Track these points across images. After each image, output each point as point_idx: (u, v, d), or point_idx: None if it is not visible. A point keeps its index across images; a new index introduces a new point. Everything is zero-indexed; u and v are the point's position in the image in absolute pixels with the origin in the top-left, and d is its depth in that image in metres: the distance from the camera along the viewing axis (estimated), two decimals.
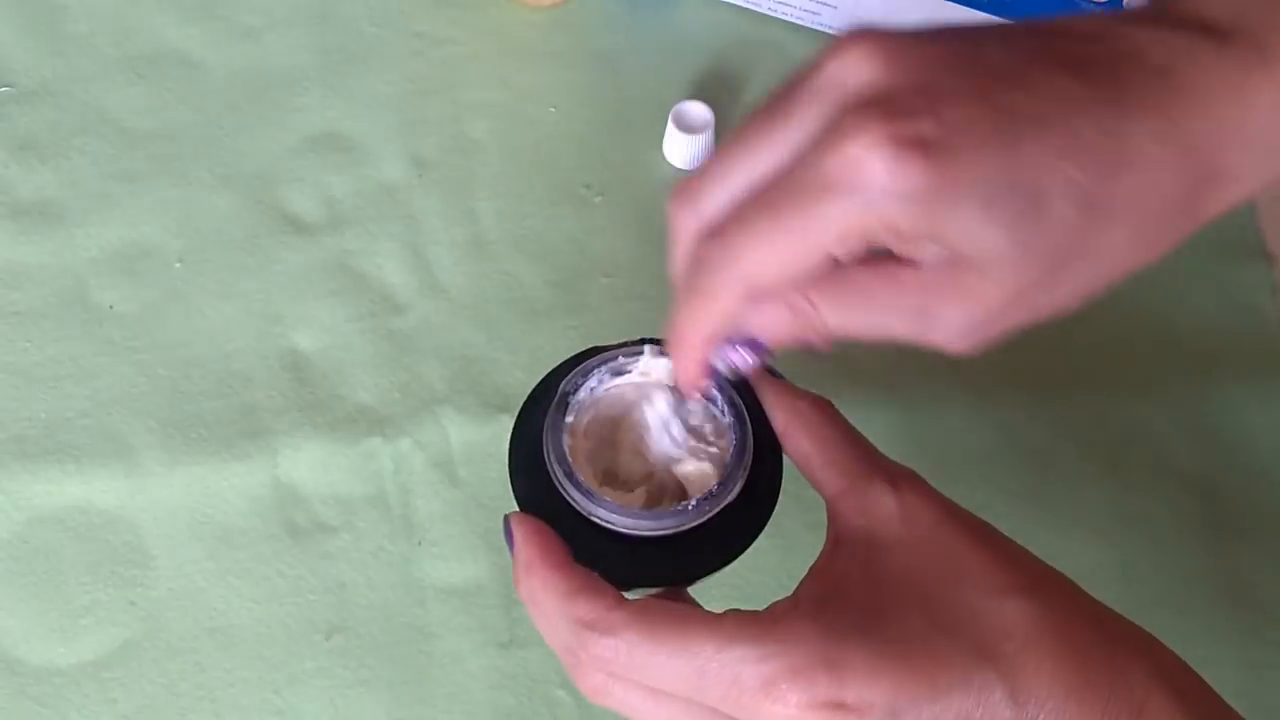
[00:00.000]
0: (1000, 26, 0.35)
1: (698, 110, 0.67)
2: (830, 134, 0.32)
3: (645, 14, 0.73)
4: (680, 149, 0.67)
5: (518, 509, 0.40)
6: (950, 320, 0.34)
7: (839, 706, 0.33)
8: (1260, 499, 0.62)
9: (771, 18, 0.73)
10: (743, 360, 0.38)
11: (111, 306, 0.63)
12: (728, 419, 0.41)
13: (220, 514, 0.59)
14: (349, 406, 0.61)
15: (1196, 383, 0.64)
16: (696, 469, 0.42)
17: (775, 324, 0.36)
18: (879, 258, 0.35)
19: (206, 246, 0.65)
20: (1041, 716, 0.33)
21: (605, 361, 0.42)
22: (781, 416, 0.41)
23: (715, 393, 0.42)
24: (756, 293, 0.35)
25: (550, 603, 0.36)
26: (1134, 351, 0.65)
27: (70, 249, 0.64)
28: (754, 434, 0.41)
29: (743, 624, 0.34)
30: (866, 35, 0.33)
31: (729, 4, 0.73)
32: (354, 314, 0.64)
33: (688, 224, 0.36)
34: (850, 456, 0.39)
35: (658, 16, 0.73)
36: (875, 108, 0.32)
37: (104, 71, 0.69)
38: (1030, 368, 0.65)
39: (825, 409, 0.41)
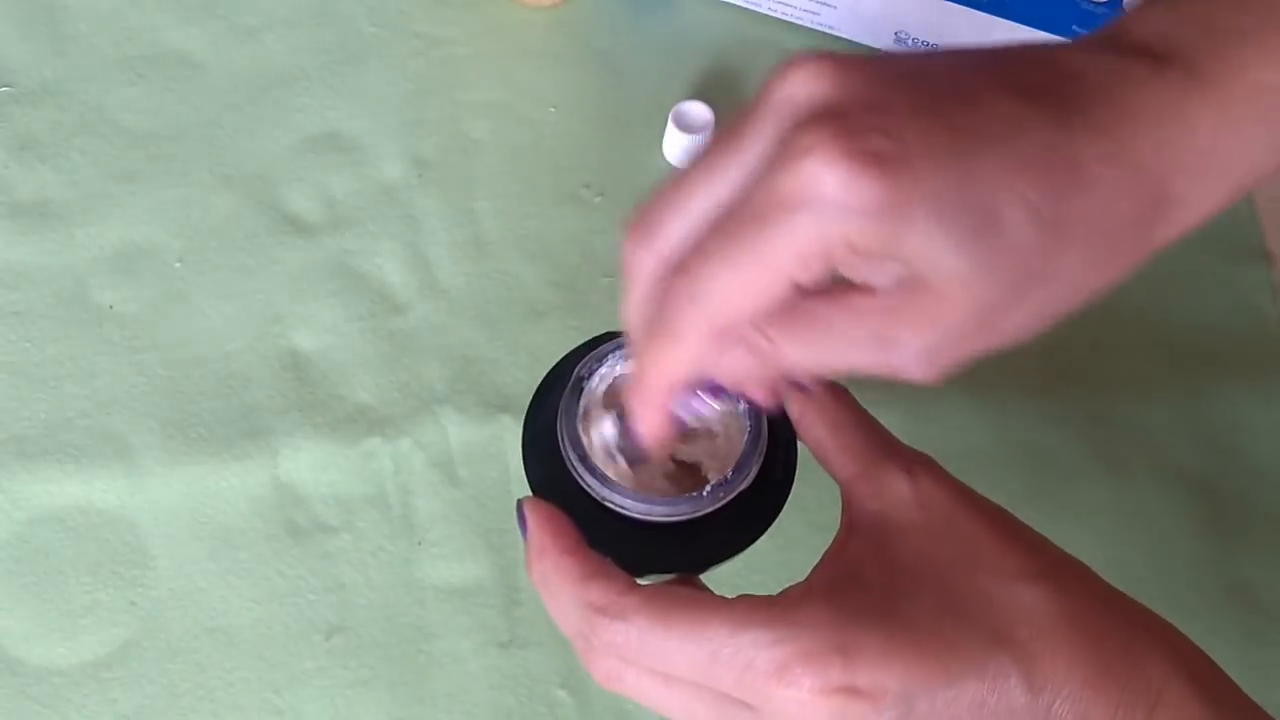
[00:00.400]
0: (947, 51, 0.34)
1: (698, 110, 0.67)
2: (783, 152, 0.32)
3: (645, 14, 0.73)
4: (680, 149, 0.67)
5: (531, 493, 0.40)
6: (910, 345, 0.34)
7: (852, 691, 0.33)
8: (1260, 499, 0.62)
9: (771, 18, 0.73)
10: (707, 407, 0.37)
11: (111, 306, 0.63)
12: (742, 405, 0.41)
13: (220, 514, 0.59)
14: (349, 406, 0.61)
15: (1196, 383, 0.64)
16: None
17: (735, 365, 0.35)
18: (835, 287, 0.34)
19: (206, 246, 0.65)
20: (1057, 703, 0.33)
21: (619, 346, 0.42)
22: (795, 403, 0.40)
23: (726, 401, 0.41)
24: (724, 331, 0.34)
25: (562, 588, 0.36)
26: (1134, 351, 0.65)
27: (70, 249, 0.64)
28: (769, 421, 0.41)
29: (755, 608, 0.34)
30: (814, 57, 0.33)
31: (729, 4, 0.73)
32: (354, 314, 0.64)
33: (645, 263, 0.35)
34: (865, 441, 0.39)
35: (658, 16, 0.73)
36: (827, 122, 0.31)
37: (104, 71, 0.69)
38: (1030, 368, 0.65)
39: (840, 395, 0.41)
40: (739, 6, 0.73)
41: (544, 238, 0.66)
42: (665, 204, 0.34)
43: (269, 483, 0.59)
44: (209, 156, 0.67)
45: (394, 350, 0.63)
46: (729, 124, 0.34)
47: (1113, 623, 0.35)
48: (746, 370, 0.35)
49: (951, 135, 0.32)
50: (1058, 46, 0.35)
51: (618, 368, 0.42)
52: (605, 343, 0.42)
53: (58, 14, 0.70)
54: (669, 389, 0.36)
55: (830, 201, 0.31)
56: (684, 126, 0.67)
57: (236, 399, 0.61)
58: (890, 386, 0.62)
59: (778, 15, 0.72)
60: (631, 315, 0.36)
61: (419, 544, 0.59)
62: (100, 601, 0.57)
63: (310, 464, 0.60)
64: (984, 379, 0.64)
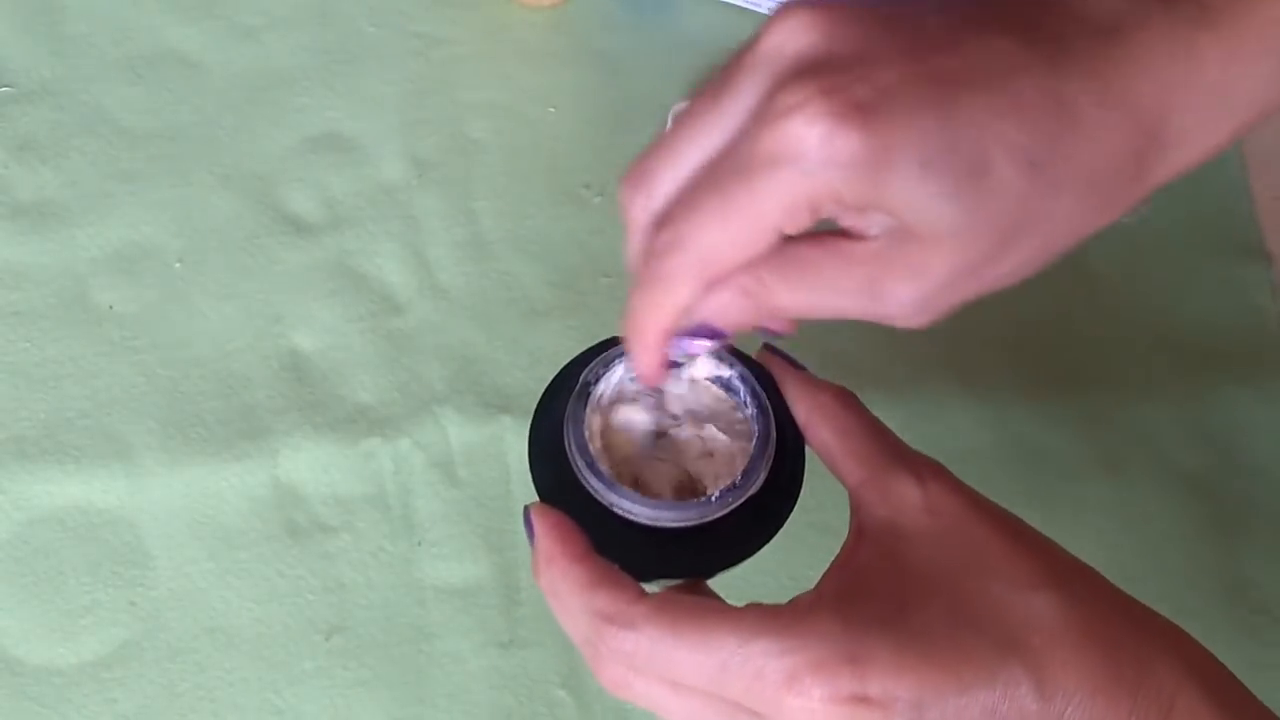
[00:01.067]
0: None
1: None
2: (768, 107, 0.32)
3: (645, 14, 0.73)
4: None
5: (537, 498, 0.40)
6: (900, 294, 0.34)
7: (862, 700, 0.32)
8: (1260, 499, 0.62)
9: None
10: (701, 348, 0.38)
11: (111, 306, 0.63)
12: (750, 410, 0.41)
13: (220, 514, 0.59)
14: (349, 406, 0.61)
15: (1196, 383, 0.64)
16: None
17: (728, 308, 0.35)
18: (828, 233, 0.34)
19: (206, 246, 0.65)
20: (1069, 711, 0.33)
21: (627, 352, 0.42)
22: (803, 408, 0.40)
23: (737, 384, 0.41)
24: (713, 277, 0.34)
25: (570, 595, 0.36)
26: (1134, 351, 0.65)
27: (70, 249, 0.64)
28: (777, 426, 0.40)
29: (765, 617, 0.34)
30: (803, 6, 0.33)
31: (729, 4, 0.73)
32: (354, 314, 0.64)
33: (639, 212, 0.35)
34: (873, 447, 0.39)
35: (658, 16, 0.73)
36: (809, 76, 0.32)
37: (104, 71, 0.69)
38: (1030, 368, 0.65)
39: (848, 400, 0.40)
40: (739, 6, 0.73)
41: (544, 238, 0.66)
42: (658, 154, 0.35)
43: (269, 483, 0.59)
44: (209, 156, 0.67)
45: (394, 350, 0.63)
46: (718, 74, 0.35)
47: (1124, 629, 0.35)
48: (739, 312, 0.35)
49: (938, 83, 0.32)
50: None
51: (624, 373, 0.42)
52: (611, 347, 0.42)
53: (57, 14, 0.70)
54: (661, 331, 0.36)
55: (812, 156, 0.31)
56: None
57: (236, 399, 0.61)
58: (891, 387, 0.63)
59: None
60: (631, 259, 0.36)
61: (419, 544, 0.59)
62: (100, 601, 0.57)
63: (310, 464, 0.60)
64: (984, 379, 0.64)
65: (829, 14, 0.33)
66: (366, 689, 0.56)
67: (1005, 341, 0.65)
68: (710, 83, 0.35)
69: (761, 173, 0.32)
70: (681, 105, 0.67)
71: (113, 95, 0.68)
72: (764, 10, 0.73)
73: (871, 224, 0.34)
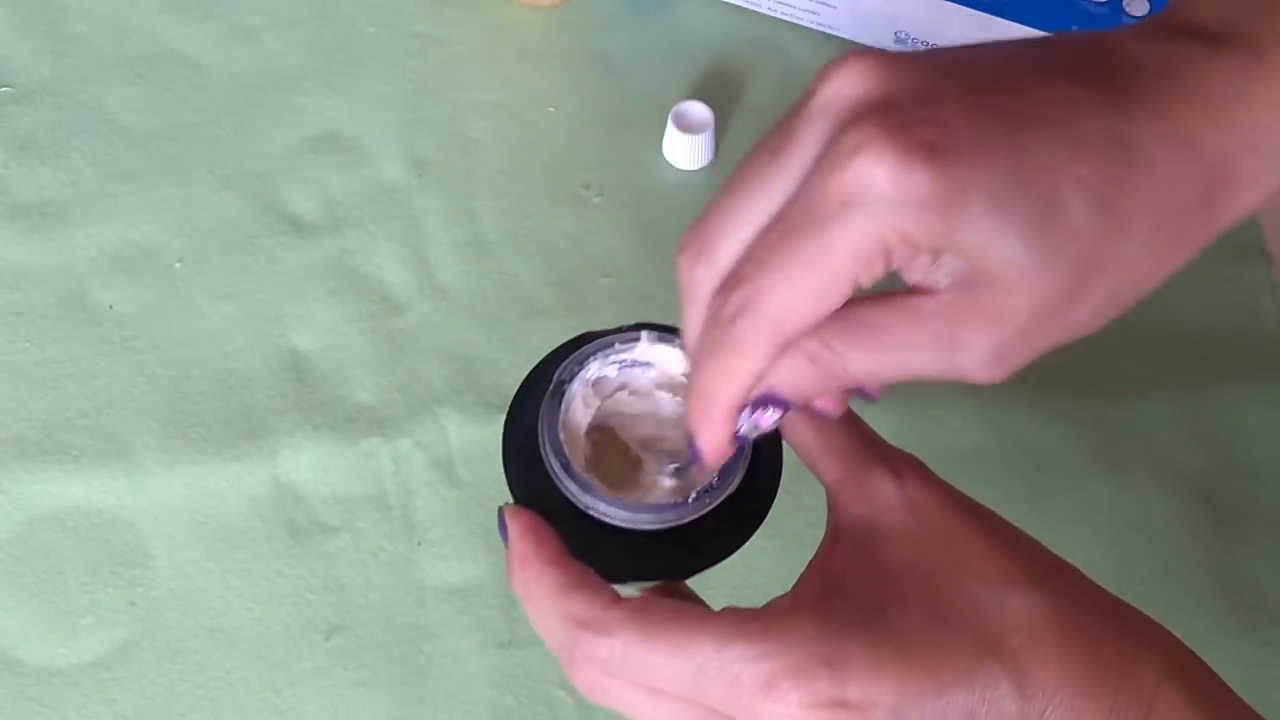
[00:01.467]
0: (994, 43, 0.34)
1: (698, 110, 0.67)
2: (831, 152, 0.31)
3: (645, 14, 0.73)
4: (680, 149, 0.67)
5: (512, 501, 0.39)
6: (977, 346, 0.33)
7: (841, 705, 0.32)
8: (1260, 499, 0.62)
9: (771, 18, 0.73)
10: (769, 421, 0.36)
11: (111, 306, 0.63)
12: None
13: (220, 514, 0.59)
14: (349, 406, 0.61)
15: (1196, 383, 0.64)
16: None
17: (796, 376, 0.34)
18: (894, 292, 0.33)
19: (206, 246, 0.65)
20: (1049, 710, 0.33)
21: (602, 348, 0.41)
22: None
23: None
24: (786, 339, 0.33)
25: (545, 599, 0.35)
26: (1134, 351, 0.65)
27: (70, 249, 0.64)
28: None
29: (741, 621, 0.34)
30: (859, 54, 0.32)
31: (729, 4, 0.73)
32: (354, 314, 0.64)
33: (704, 280, 0.34)
34: (851, 444, 0.38)
35: (658, 16, 0.73)
36: (872, 118, 0.31)
37: (104, 71, 0.69)
38: (1030, 368, 0.64)
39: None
40: (739, 6, 0.73)
41: (543, 238, 0.66)
42: (717, 218, 0.34)
43: (269, 483, 0.59)
44: (209, 156, 0.67)
45: (394, 350, 0.63)
46: (774, 129, 0.34)
47: (1104, 628, 0.34)
48: (808, 380, 0.34)
49: (1003, 121, 0.31)
50: (1108, 34, 0.34)
51: (598, 369, 0.41)
52: (586, 344, 0.41)
53: (58, 14, 0.70)
54: (734, 404, 0.35)
55: (883, 196, 0.30)
56: (684, 126, 0.67)
57: (236, 399, 0.61)
58: (891, 387, 0.62)
59: (778, 15, 0.72)
60: (692, 329, 0.35)
61: (419, 544, 0.59)
62: (100, 601, 0.57)
63: (310, 464, 0.60)
64: None
65: (885, 59, 0.32)
66: (366, 689, 0.56)
67: None
68: (764, 139, 0.34)
69: (831, 219, 0.31)
70: (684, 105, 0.67)
71: (113, 95, 0.68)
72: (764, 10, 0.73)
73: (940, 277, 0.33)
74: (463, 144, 0.69)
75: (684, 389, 0.41)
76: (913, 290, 0.33)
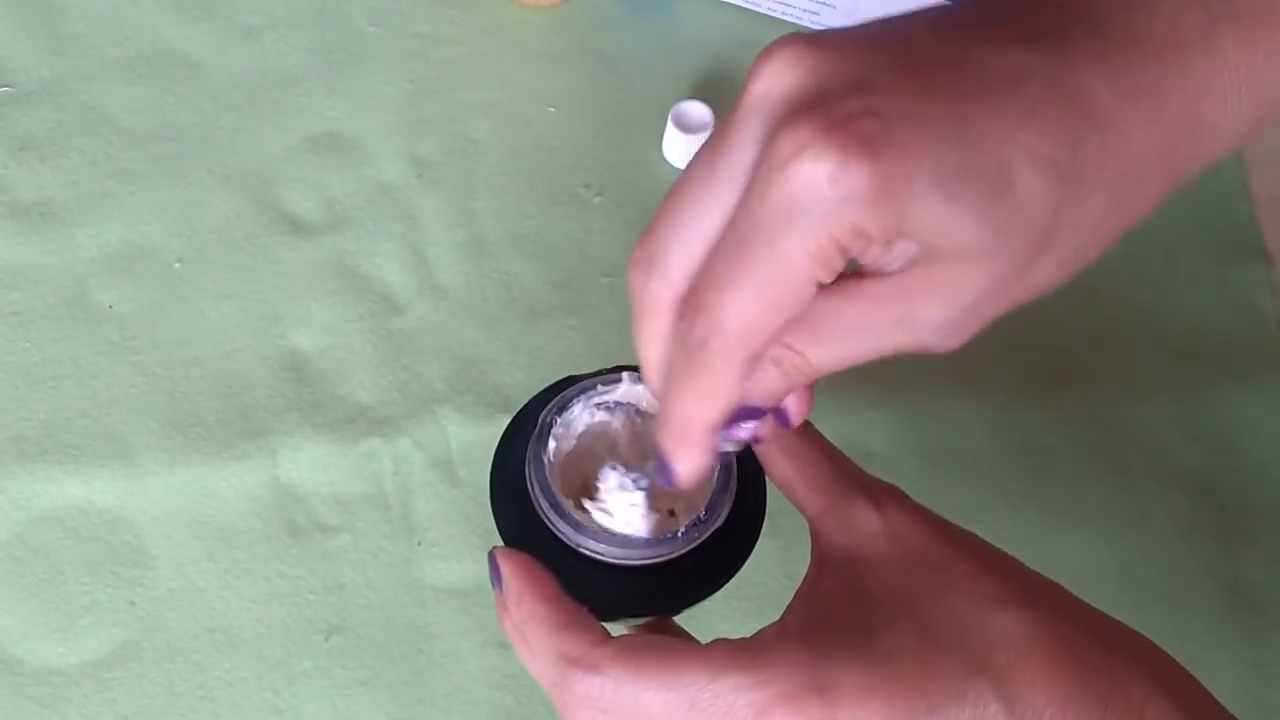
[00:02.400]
0: (929, 9, 0.33)
1: (698, 110, 0.67)
2: (768, 158, 0.31)
3: (645, 14, 0.73)
4: (680, 149, 0.67)
5: (500, 539, 0.40)
6: (933, 321, 0.33)
7: None
8: (1260, 499, 0.62)
9: (771, 17, 0.73)
10: (748, 433, 0.36)
11: (111, 306, 0.63)
12: None
13: (220, 514, 0.59)
14: (349, 406, 0.61)
15: (1196, 383, 0.64)
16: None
17: (764, 383, 0.34)
18: (846, 279, 0.33)
19: (206, 246, 0.65)
20: None
21: (583, 391, 0.41)
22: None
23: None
24: (756, 353, 0.33)
25: (538, 637, 0.35)
26: (1134, 351, 0.65)
27: (70, 249, 0.64)
28: (737, 457, 0.40)
29: (731, 653, 0.34)
30: (787, 41, 0.32)
31: (729, 4, 0.73)
32: (354, 314, 0.64)
33: (657, 294, 0.34)
34: (830, 475, 0.38)
35: (658, 16, 0.73)
36: (806, 115, 0.30)
37: (104, 71, 0.69)
38: (1030, 368, 0.65)
39: (804, 430, 0.39)
40: (739, 6, 0.73)
41: (543, 237, 0.66)
42: (665, 230, 0.33)
43: (268, 483, 0.59)
44: (208, 156, 0.67)
45: (394, 350, 0.63)
46: (718, 129, 0.33)
47: (1091, 643, 0.34)
48: (777, 384, 0.34)
49: (943, 97, 0.30)
50: None
51: (580, 410, 0.41)
52: (567, 388, 0.41)
53: (57, 14, 0.70)
54: (714, 426, 0.35)
55: (826, 197, 0.30)
56: (684, 126, 0.67)
57: (236, 399, 0.61)
58: (891, 387, 0.63)
59: (778, 15, 0.72)
60: (647, 350, 0.35)
61: (419, 544, 0.59)
62: (100, 601, 0.57)
63: (310, 464, 0.60)
64: (984, 379, 0.64)
65: (813, 46, 0.31)
66: (366, 689, 0.56)
67: (1005, 341, 0.65)
68: (707, 143, 0.34)
69: (781, 228, 0.30)
70: (684, 105, 0.67)
71: (113, 95, 0.68)
72: (763, 10, 0.73)
73: (892, 259, 0.32)
74: (463, 144, 0.69)
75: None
76: (863, 273, 0.33)
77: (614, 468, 0.40)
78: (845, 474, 0.38)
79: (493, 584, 0.37)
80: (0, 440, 0.60)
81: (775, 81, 0.31)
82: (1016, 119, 0.31)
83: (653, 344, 0.35)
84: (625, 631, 0.38)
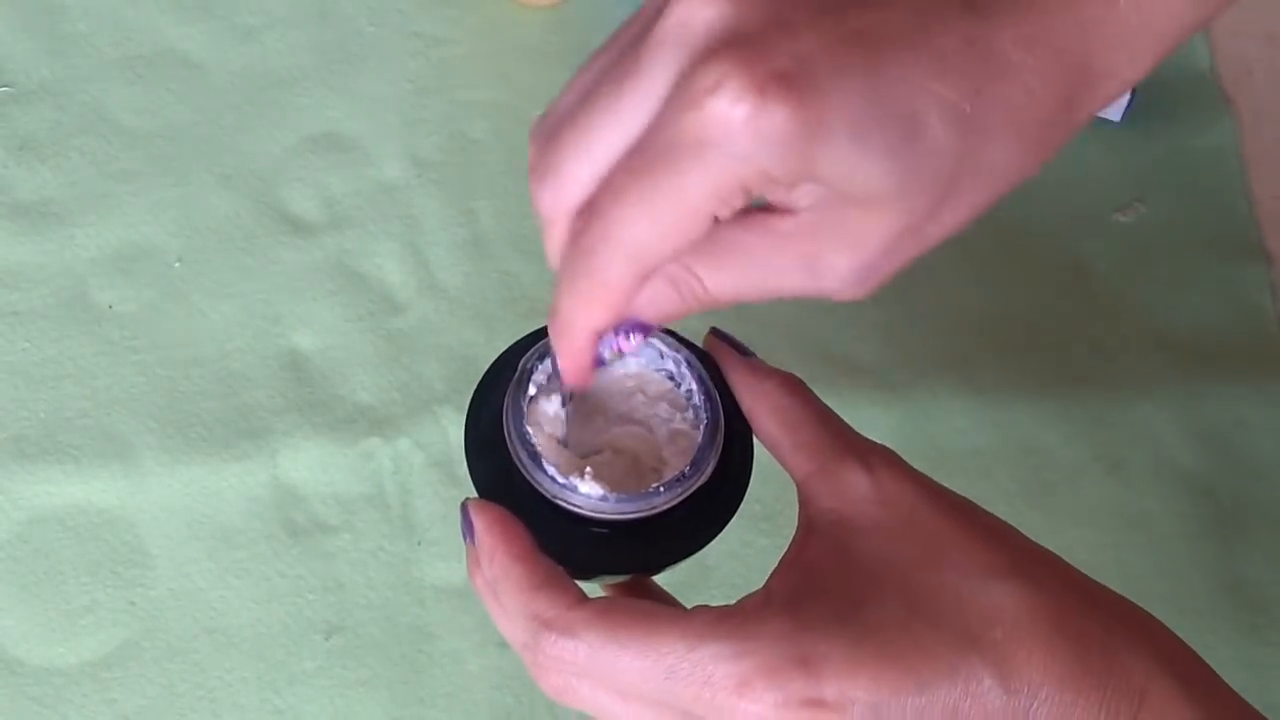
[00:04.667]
0: None
1: None
2: (685, 88, 0.30)
3: None
4: None
5: (476, 493, 0.38)
6: (839, 266, 0.32)
7: (818, 704, 0.31)
8: (1260, 499, 0.62)
9: None
10: (629, 344, 0.35)
11: (111, 306, 0.63)
12: (698, 399, 0.39)
13: (220, 514, 0.59)
14: (348, 406, 0.61)
15: (1196, 383, 0.64)
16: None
17: (656, 300, 0.34)
18: (754, 212, 0.33)
19: (206, 246, 0.65)
20: (1035, 706, 0.32)
21: None
22: (747, 398, 0.39)
23: (684, 370, 0.39)
24: (644, 270, 0.32)
25: (510, 595, 0.34)
26: (1134, 351, 0.65)
27: (70, 249, 0.64)
28: (725, 414, 0.39)
29: (713, 621, 0.33)
30: None
31: None
32: (353, 314, 0.64)
33: (553, 206, 0.33)
34: (820, 437, 0.37)
35: None
36: (726, 51, 0.30)
37: (104, 71, 0.69)
38: (1030, 368, 0.65)
39: (793, 388, 0.38)
40: None
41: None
42: (569, 140, 0.33)
43: (268, 483, 0.59)
44: (209, 156, 0.67)
45: (394, 350, 0.63)
46: (618, 43, 0.33)
47: (1091, 618, 0.33)
48: (670, 304, 0.34)
49: (860, 44, 0.30)
50: None
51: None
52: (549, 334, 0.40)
53: (57, 14, 0.70)
54: (594, 331, 0.34)
55: (740, 137, 0.29)
56: None
57: (236, 399, 0.61)
58: (891, 387, 0.63)
59: None
60: (553, 256, 0.34)
61: (419, 544, 0.59)
62: (99, 601, 0.57)
63: (309, 464, 0.60)
64: (984, 379, 0.64)
65: None
66: (366, 689, 0.56)
67: (1005, 341, 0.65)
68: (608, 56, 0.33)
69: (687, 159, 0.30)
70: None
71: (113, 95, 0.68)
72: None
73: (800, 197, 0.32)
74: (462, 144, 0.69)
75: (655, 384, 0.40)
76: (771, 209, 0.33)
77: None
78: (836, 436, 0.37)
79: (464, 538, 0.36)
80: (0, 440, 0.60)
81: (695, 12, 0.31)
82: (927, 67, 0.31)
83: (555, 250, 0.34)
84: (603, 593, 0.37)
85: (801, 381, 0.39)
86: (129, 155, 0.67)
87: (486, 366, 0.41)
